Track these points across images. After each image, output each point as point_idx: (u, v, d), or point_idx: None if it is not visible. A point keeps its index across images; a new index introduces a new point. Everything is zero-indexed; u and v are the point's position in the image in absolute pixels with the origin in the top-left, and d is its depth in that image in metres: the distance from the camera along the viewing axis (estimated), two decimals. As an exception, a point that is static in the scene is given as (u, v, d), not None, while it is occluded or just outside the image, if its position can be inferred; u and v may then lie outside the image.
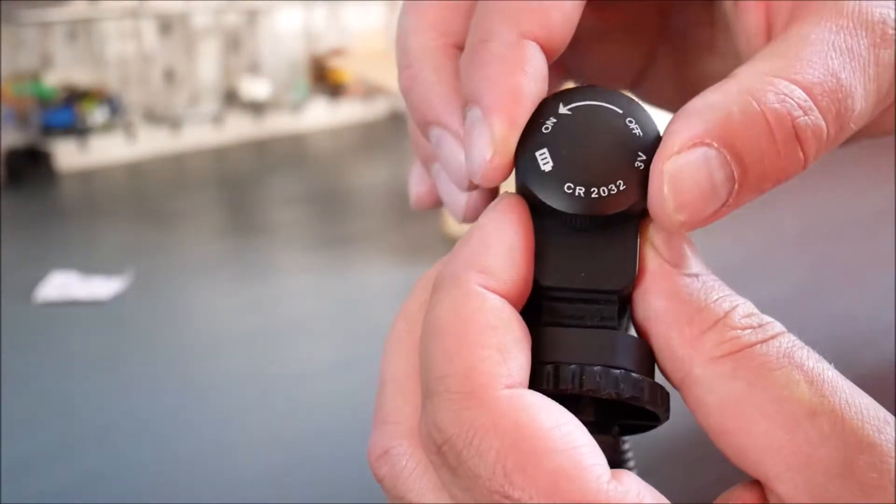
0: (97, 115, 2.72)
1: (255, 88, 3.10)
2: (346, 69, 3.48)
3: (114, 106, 2.79)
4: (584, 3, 0.20)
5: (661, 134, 0.21)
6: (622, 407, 0.21)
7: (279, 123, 3.28)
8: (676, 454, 0.93)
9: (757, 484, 0.19)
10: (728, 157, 0.19)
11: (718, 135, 0.19)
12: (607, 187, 0.20)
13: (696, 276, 0.21)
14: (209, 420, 1.30)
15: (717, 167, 0.19)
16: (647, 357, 0.20)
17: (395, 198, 2.59)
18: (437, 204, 0.27)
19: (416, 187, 0.27)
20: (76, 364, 1.42)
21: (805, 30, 0.19)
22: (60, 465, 1.14)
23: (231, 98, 3.18)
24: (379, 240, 2.12)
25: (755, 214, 2.20)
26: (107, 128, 2.81)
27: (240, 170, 2.89)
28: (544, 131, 0.21)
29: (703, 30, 0.30)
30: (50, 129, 2.64)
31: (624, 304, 0.21)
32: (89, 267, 1.81)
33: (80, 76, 2.79)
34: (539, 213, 0.21)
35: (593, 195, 0.20)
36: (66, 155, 2.69)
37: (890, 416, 0.18)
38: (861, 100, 0.19)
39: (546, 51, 0.20)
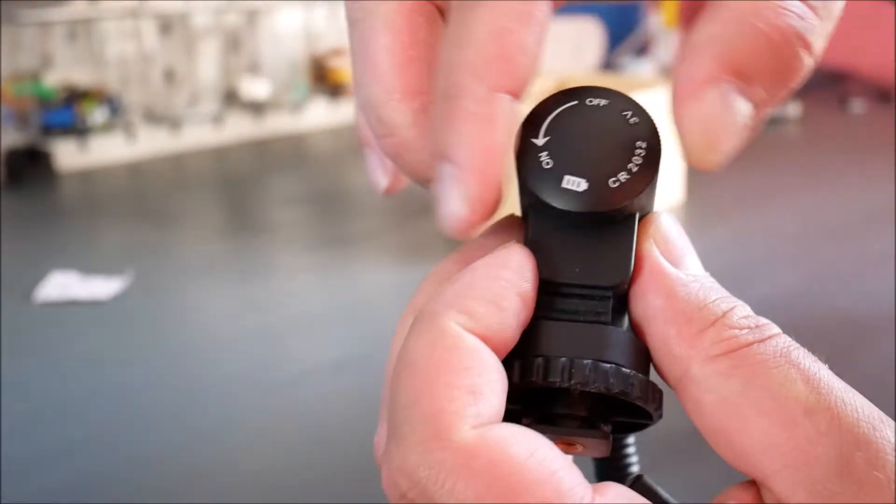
0: (97, 115, 2.73)
1: (255, 88, 3.11)
2: (346, 69, 3.48)
3: (114, 106, 2.79)
4: (546, 31, 0.20)
5: (658, 129, 0.21)
6: (615, 404, 0.21)
7: (279, 123, 3.29)
8: (676, 453, 0.93)
9: (753, 483, 0.19)
10: (742, 85, 0.19)
11: (728, 67, 0.19)
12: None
13: (695, 276, 0.21)
14: (209, 420, 1.30)
15: (735, 98, 0.19)
16: (640, 354, 0.20)
17: (394, 198, 2.59)
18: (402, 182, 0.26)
19: (380, 177, 0.25)
20: (76, 364, 1.43)
21: None
22: (60, 465, 1.15)
23: (231, 98, 3.18)
24: (379, 240, 2.12)
25: (755, 214, 2.20)
26: (107, 128, 2.81)
27: (240, 170, 2.89)
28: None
29: None
30: (50, 129, 2.64)
31: (620, 301, 0.21)
32: (89, 267, 1.82)
33: (80, 76, 2.79)
34: (538, 209, 0.21)
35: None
36: (66, 155, 2.70)
37: (884, 415, 0.18)
38: None
39: (517, 95, 0.20)
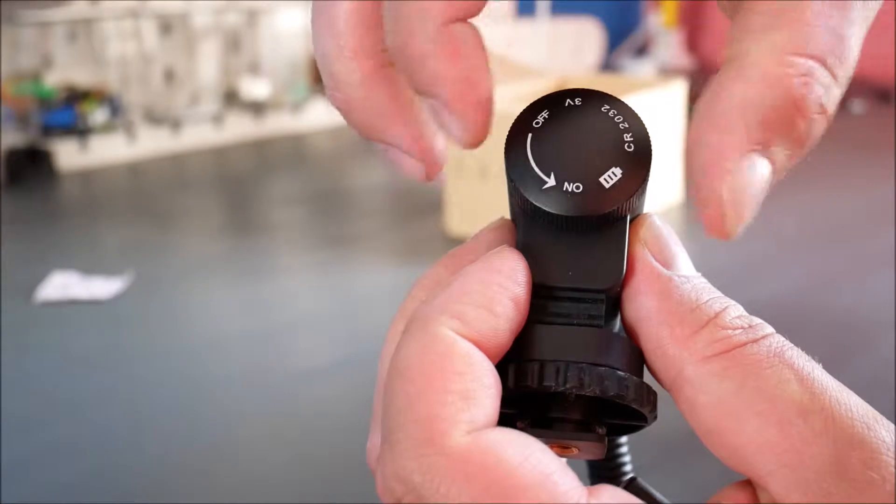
0: (97, 115, 2.73)
1: (255, 88, 3.11)
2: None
3: (114, 106, 2.79)
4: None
5: (650, 129, 0.21)
6: (610, 406, 0.21)
7: (279, 123, 3.29)
8: (672, 454, 0.93)
9: (748, 483, 0.19)
10: (770, 155, 0.19)
11: (758, 138, 0.19)
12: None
13: (687, 277, 0.21)
14: (209, 420, 1.30)
15: (764, 168, 0.19)
16: (634, 357, 0.20)
17: (395, 198, 2.59)
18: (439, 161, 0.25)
19: (413, 165, 0.24)
20: (76, 364, 1.43)
21: None
22: (60, 465, 1.15)
23: (231, 98, 3.18)
24: (379, 240, 2.12)
25: (755, 214, 2.20)
26: (107, 128, 2.81)
27: (240, 170, 2.89)
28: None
29: None
30: (50, 129, 2.64)
31: (613, 303, 0.21)
32: (89, 267, 1.82)
33: (81, 76, 2.79)
34: (529, 213, 0.21)
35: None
36: (67, 155, 2.70)
37: (878, 414, 0.18)
38: (857, 44, 0.20)
39: (471, 17, 0.20)
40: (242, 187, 2.56)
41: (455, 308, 0.19)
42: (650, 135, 0.21)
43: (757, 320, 0.20)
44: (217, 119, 3.01)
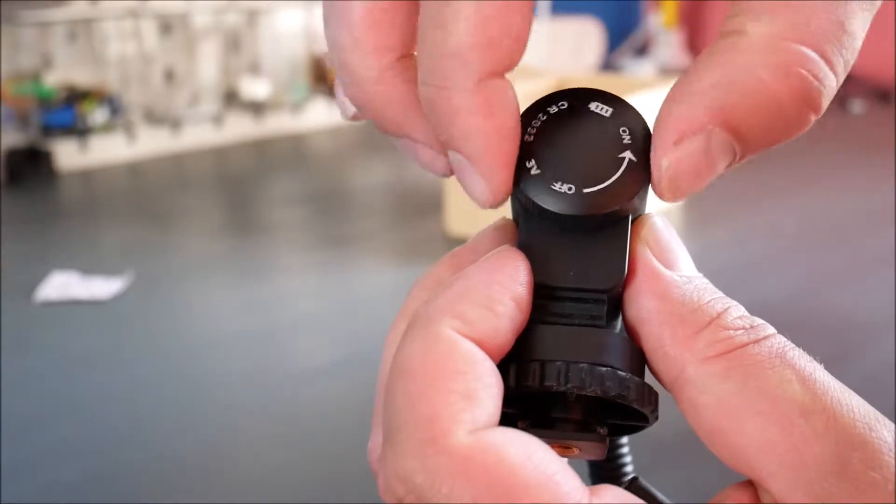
0: (97, 115, 2.72)
1: (255, 88, 3.11)
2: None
3: (114, 106, 2.79)
4: (533, 5, 0.20)
5: (651, 128, 0.21)
6: (611, 407, 0.21)
7: (279, 123, 3.29)
8: (674, 454, 0.93)
9: (750, 484, 0.19)
10: (731, 138, 0.19)
11: (723, 118, 0.18)
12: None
13: (689, 277, 0.20)
14: (209, 420, 1.30)
15: (719, 148, 0.19)
16: (635, 357, 0.20)
17: (395, 198, 2.59)
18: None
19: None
20: (76, 364, 1.43)
21: None
22: (60, 465, 1.15)
23: (231, 98, 3.18)
24: (379, 240, 2.12)
25: (755, 214, 2.21)
26: (107, 128, 2.81)
27: (240, 170, 2.89)
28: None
29: None
30: (50, 129, 2.64)
31: (614, 304, 0.21)
32: (89, 267, 1.82)
33: (80, 76, 2.79)
34: (530, 213, 0.21)
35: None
36: (67, 155, 2.70)
37: (880, 415, 0.18)
38: (861, 34, 0.19)
39: (507, 72, 0.20)
40: (242, 187, 2.56)
41: (457, 308, 0.19)
42: (651, 134, 0.21)
43: (759, 321, 0.19)
44: (217, 119, 3.01)
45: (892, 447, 0.17)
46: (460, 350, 0.19)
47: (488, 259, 0.21)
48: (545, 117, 0.21)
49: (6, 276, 1.74)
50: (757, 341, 0.19)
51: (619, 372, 0.20)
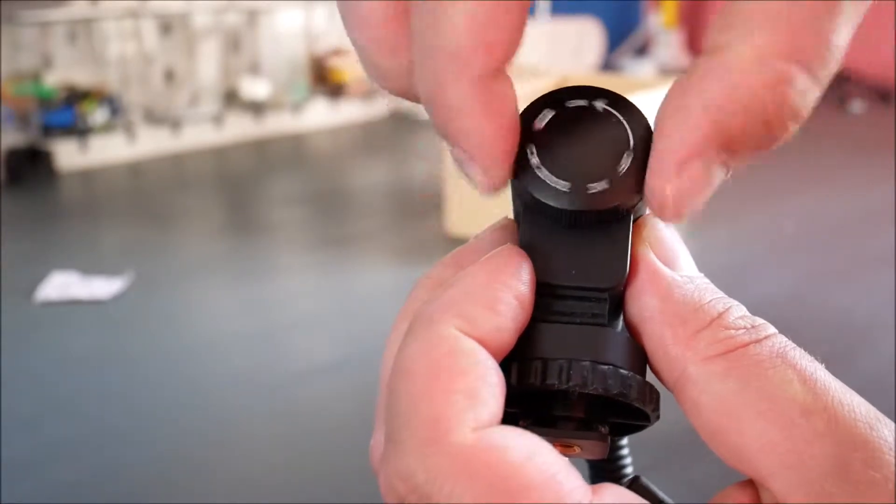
0: (97, 115, 2.72)
1: (255, 88, 3.11)
2: (346, 69, 3.49)
3: (114, 106, 2.79)
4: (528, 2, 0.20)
5: (652, 128, 0.21)
6: (613, 406, 0.21)
7: (279, 123, 3.28)
8: (675, 453, 0.93)
9: (751, 483, 0.19)
10: (726, 157, 0.19)
11: (719, 141, 0.18)
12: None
13: (690, 277, 0.21)
14: (209, 420, 1.30)
15: (717, 168, 0.19)
16: (637, 355, 0.20)
17: (395, 198, 2.59)
18: None
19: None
20: (76, 364, 1.43)
21: None
22: (60, 465, 1.15)
23: (231, 98, 3.18)
24: (379, 240, 2.12)
25: (755, 214, 2.21)
26: (107, 128, 2.80)
27: (240, 170, 2.89)
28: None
29: None
30: (50, 129, 2.64)
31: (616, 302, 0.21)
32: (89, 267, 1.82)
33: (80, 76, 2.79)
34: (532, 210, 0.21)
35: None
36: (67, 155, 2.70)
37: (881, 415, 0.18)
38: (843, 44, 0.19)
39: (503, 67, 0.20)
40: (242, 187, 2.56)
41: (459, 307, 0.19)
42: (653, 132, 0.21)
43: (760, 321, 0.20)
44: (217, 119, 3.01)
45: (893, 447, 0.17)
46: (463, 349, 0.19)
47: (490, 258, 0.21)
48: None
49: (6, 276, 1.74)
50: (758, 341, 0.19)
51: (621, 370, 0.20)
